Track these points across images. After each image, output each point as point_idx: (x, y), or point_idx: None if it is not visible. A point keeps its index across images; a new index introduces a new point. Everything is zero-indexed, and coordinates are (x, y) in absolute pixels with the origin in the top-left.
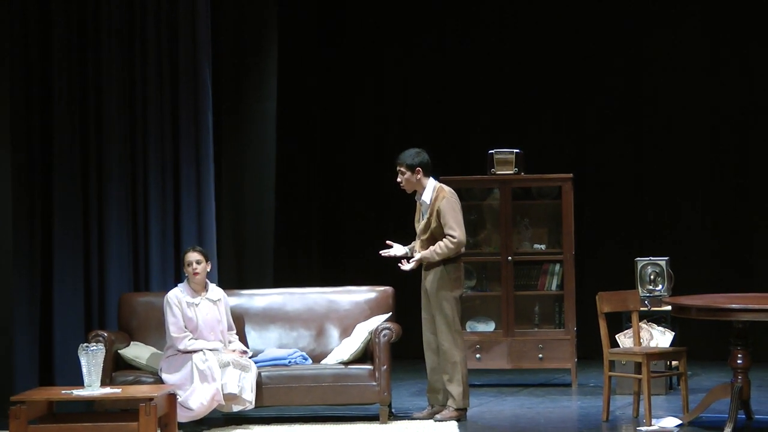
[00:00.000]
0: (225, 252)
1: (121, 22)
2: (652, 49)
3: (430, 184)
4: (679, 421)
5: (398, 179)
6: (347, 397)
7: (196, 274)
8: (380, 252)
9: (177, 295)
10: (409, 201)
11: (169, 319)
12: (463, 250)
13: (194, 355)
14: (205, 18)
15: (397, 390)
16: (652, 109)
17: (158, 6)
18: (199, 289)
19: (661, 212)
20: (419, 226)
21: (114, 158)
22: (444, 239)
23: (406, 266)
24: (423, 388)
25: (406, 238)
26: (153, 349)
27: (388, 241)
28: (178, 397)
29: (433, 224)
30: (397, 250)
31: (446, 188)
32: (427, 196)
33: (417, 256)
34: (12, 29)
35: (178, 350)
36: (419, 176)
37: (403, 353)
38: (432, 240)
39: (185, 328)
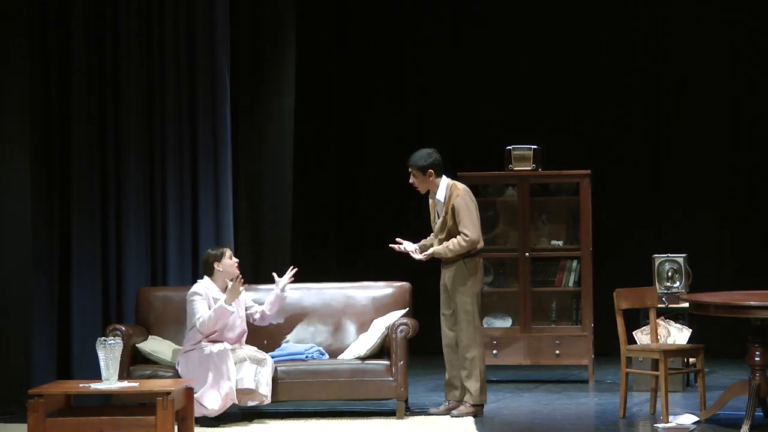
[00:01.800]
0: (242, 247)
1: (138, 16)
2: (671, 45)
3: (443, 183)
4: (696, 418)
5: (410, 180)
6: (364, 392)
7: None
8: (390, 245)
9: (206, 285)
10: (425, 197)
11: (197, 305)
12: (481, 245)
13: (212, 352)
14: (223, 11)
15: (414, 385)
16: (671, 105)
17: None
18: (222, 287)
19: (679, 209)
20: (436, 225)
21: (132, 153)
22: (458, 236)
23: (418, 255)
24: (439, 384)
25: (424, 234)
26: (170, 344)
27: (398, 239)
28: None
29: (449, 222)
30: (407, 245)
31: (460, 185)
32: (441, 195)
33: (430, 250)
34: (31, 20)
35: (201, 332)
36: (431, 177)
37: (419, 349)
38: (449, 238)
39: None
